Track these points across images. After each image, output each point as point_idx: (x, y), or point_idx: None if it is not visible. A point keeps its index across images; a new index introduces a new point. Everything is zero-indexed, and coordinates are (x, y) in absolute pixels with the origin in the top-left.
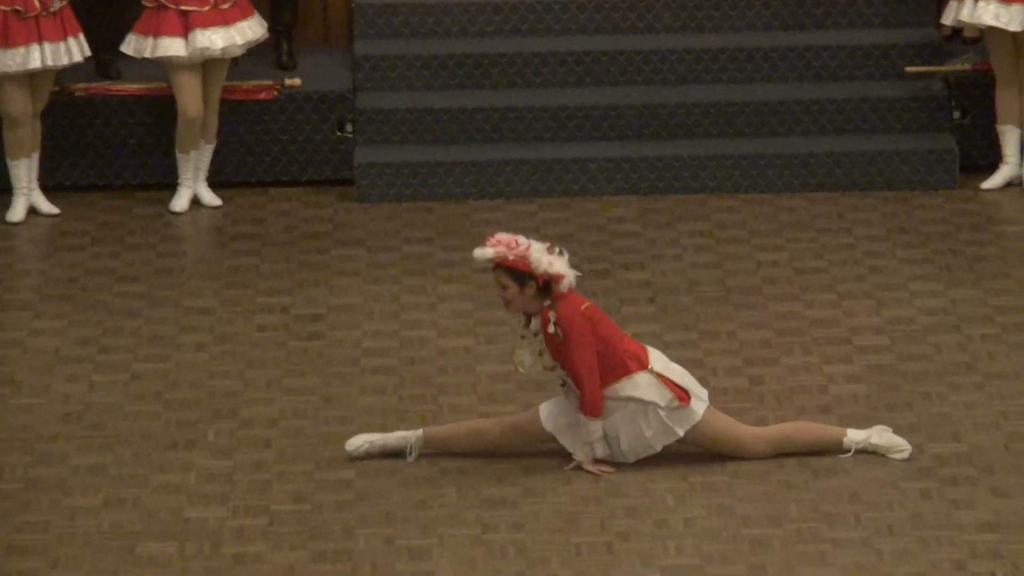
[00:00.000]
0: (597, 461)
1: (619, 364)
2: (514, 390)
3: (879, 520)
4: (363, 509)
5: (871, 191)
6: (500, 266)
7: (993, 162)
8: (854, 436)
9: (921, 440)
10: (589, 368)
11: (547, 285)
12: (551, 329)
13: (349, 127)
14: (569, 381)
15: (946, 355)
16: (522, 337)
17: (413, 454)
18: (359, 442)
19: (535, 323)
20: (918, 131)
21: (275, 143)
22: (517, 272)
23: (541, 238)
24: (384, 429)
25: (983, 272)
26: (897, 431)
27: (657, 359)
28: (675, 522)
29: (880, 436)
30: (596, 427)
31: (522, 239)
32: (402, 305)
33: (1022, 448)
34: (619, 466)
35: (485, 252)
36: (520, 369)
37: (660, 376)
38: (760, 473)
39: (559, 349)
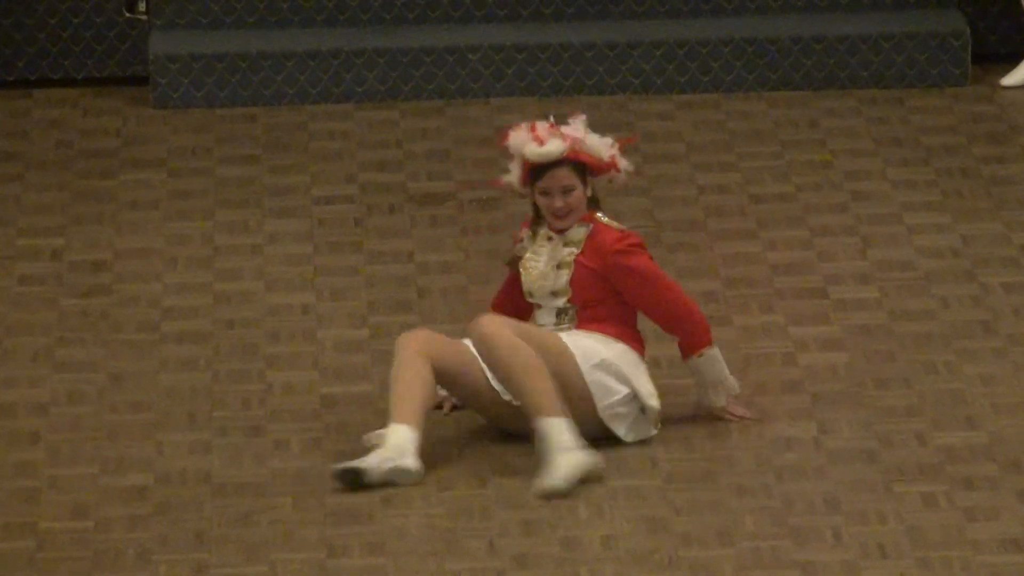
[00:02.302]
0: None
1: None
2: (370, 363)
3: (866, 536)
4: (165, 526)
5: (852, 89)
6: (568, 161)
7: (1017, 49)
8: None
9: (923, 427)
10: (680, 291)
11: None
12: (610, 248)
13: (142, 5)
14: (571, 326)
15: (956, 312)
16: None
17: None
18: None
19: (577, 233)
20: (916, 7)
21: (41, 28)
22: (583, 167)
23: (405, 154)
24: (193, 416)
25: (1004, 199)
26: (891, 414)
27: None
28: (589, 541)
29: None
30: (718, 355)
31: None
32: (216, 248)
33: None
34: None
35: (556, 144)
36: (525, 277)
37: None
38: (704, 475)
39: (590, 278)
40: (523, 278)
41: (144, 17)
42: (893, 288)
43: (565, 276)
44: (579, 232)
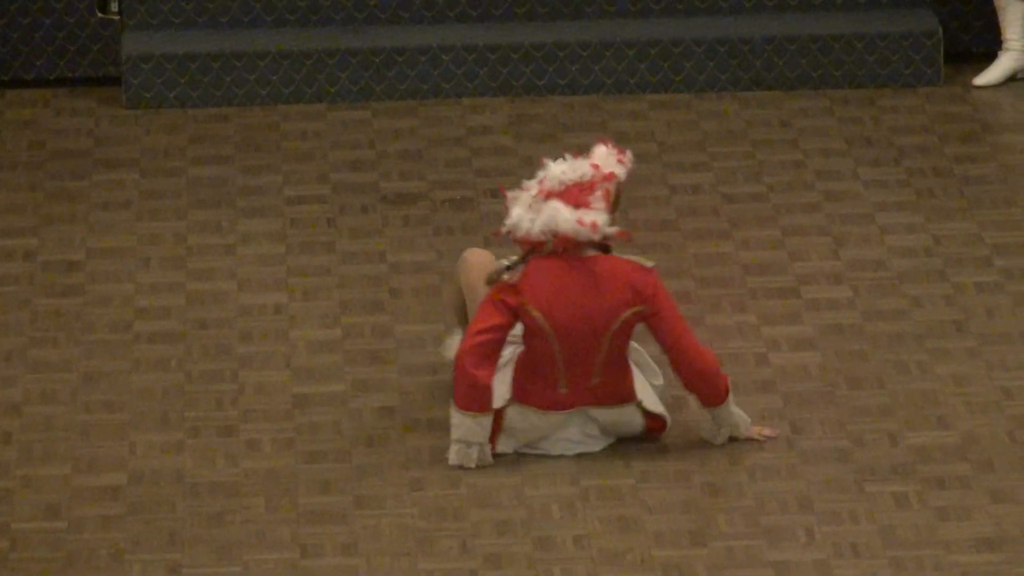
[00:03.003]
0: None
1: None
2: (343, 363)
3: (839, 536)
4: (138, 526)
5: (825, 89)
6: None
7: (990, 49)
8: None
9: (896, 427)
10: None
11: None
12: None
13: (114, 5)
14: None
15: (928, 311)
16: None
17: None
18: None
19: None
20: (888, 7)
21: (13, 28)
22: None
23: (377, 154)
24: (166, 416)
25: (976, 199)
26: (863, 414)
27: None
28: (562, 541)
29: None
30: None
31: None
32: (189, 248)
33: None
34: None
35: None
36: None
37: None
38: (677, 474)
39: None
40: None
41: (116, 17)
42: (865, 288)
43: None
44: None
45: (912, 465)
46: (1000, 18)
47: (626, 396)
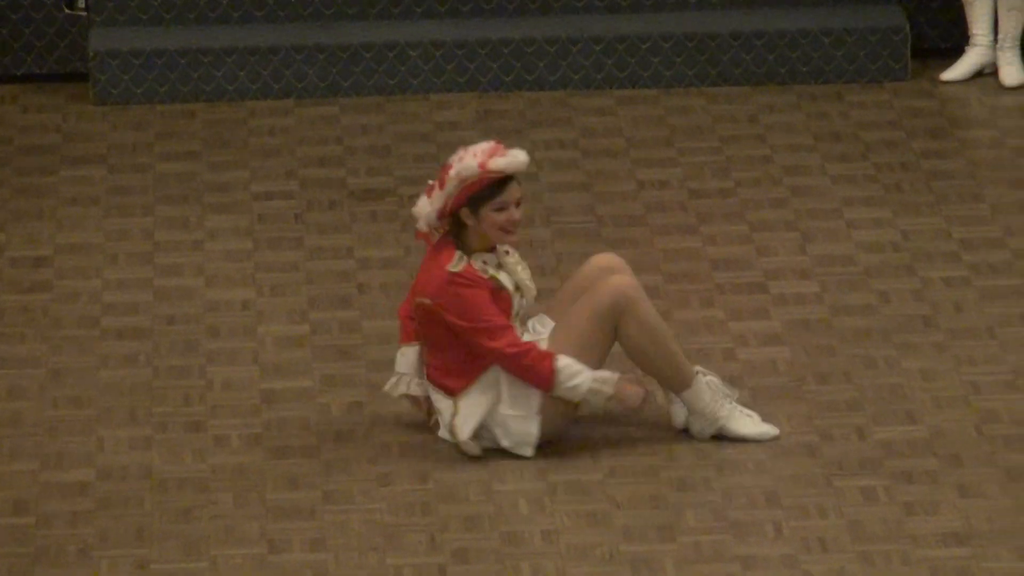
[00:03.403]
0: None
1: None
2: (311, 359)
3: (807, 531)
4: (106, 522)
5: (792, 84)
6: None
7: (957, 44)
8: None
9: (863, 422)
10: None
11: None
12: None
13: (82, 1)
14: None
15: (896, 306)
16: (499, 266)
17: None
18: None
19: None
20: (855, 2)
21: None
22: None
23: (345, 149)
24: (134, 412)
25: (944, 194)
26: (831, 409)
27: None
28: (530, 536)
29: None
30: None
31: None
32: (157, 244)
33: (998, 431)
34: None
35: (520, 152)
36: (524, 295)
37: None
38: (645, 469)
39: None
40: (516, 299)
41: (84, 13)
42: (833, 283)
43: (533, 288)
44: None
45: (880, 460)
46: (967, 13)
47: (449, 391)
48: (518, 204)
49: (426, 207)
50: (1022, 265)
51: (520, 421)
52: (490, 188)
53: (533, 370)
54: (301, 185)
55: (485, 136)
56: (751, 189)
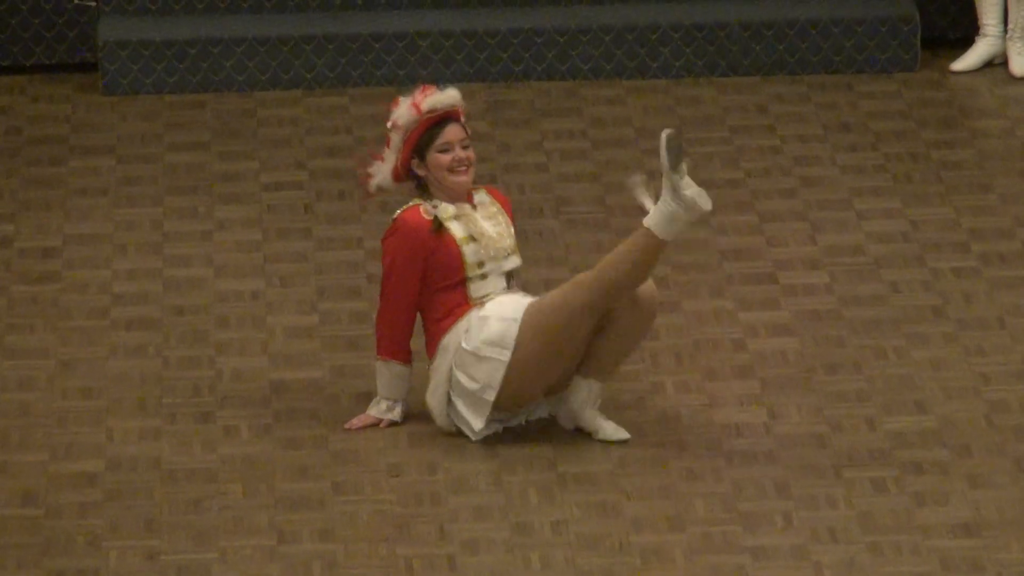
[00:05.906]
0: None
1: None
2: (320, 349)
3: (817, 522)
4: (115, 513)
5: (802, 75)
6: (456, 118)
7: (967, 34)
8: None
9: (873, 412)
10: None
11: None
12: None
13: None
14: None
15: (905, 297)
16: (457, 216)
17: None
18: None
19: (484, 196)
20: None
21: None
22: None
23: (355, 140)
24: (143, 403)
25: (954, 184)
26: (841, 399)
27: None
28: (540, 526)
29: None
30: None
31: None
32: (166, 235)
33: (1008, 421)
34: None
35: (451, 90)
36: (480, 244)
37: None
38: (655, 459)
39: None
40: (470, 248)
41: (93, 4)
42: (843, 273)
43: (511, 237)
44: (484, 195)
45: (890, 450)
46: (977, 3)
47: (430, 352)
48: (465, 145)
49: (380, 171)
50: None
51: (490, 347)
52: (429, 132)
53: (378, 336)
54: (310, 175)
55: (496, 127)
56: (761, 179)
